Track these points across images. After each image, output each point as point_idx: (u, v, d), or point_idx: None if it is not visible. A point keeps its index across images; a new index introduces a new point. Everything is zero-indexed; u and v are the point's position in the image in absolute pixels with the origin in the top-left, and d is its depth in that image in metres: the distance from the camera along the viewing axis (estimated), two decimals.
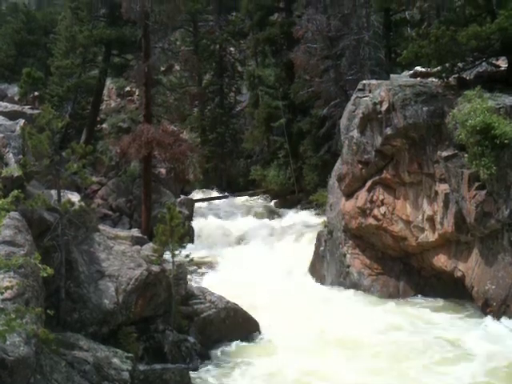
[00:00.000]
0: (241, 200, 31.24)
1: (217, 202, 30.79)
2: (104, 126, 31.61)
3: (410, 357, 12.10)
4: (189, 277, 14.81)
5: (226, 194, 32.67)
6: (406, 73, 17.82)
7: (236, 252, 23.27)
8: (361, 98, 17.27)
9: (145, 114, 24.08)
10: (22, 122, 13.45)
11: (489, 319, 13.64)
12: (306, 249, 20.14)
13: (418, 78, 16.67)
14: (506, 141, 13.03)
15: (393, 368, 11.60)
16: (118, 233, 15.22)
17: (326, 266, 18.46)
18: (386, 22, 25.44)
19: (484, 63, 16.31)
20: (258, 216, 27.17)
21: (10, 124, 13.39)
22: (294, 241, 22.85)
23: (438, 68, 15.76)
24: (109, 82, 34.01)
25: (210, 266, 21.20)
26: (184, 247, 13.49)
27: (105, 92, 33.63)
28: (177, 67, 35.41)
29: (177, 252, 13.14)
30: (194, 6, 34.30)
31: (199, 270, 20.25)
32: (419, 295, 16.14)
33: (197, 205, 28.00)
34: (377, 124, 16.16)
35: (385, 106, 15.72)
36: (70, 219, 11.74)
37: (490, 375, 11.21)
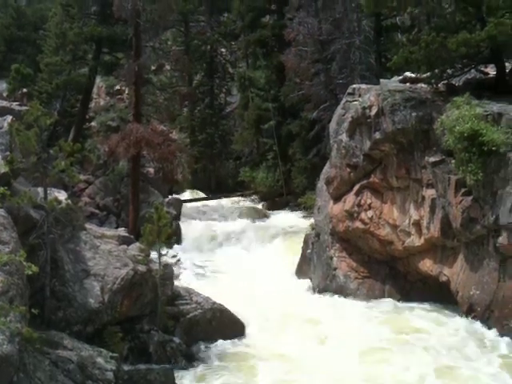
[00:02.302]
0: (229, 201, 31.22)
1: (205, 202, 30.74)
2: (93, 124, 31.44)
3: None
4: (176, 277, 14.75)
5: (215, 195, 32.65)
6: (396, 78, 17.90)
7: (223, 253, 23.27)
8: (350, 102, 17.34)
9: (134, 113, 24.01)
10: (9, 118, 13.34)
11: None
12: (293, 251, 20.18)
13: (408, 84, 16.76)
14: (493, 147, 13.12)
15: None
16: (105, 232, 15.15)
17: (312, 269, 18.49)
18: (377, 27, 25.56)
19: (473, 70, 16.44)
20: (246, 217, 27.15)
21: None
22: (281, 243, 22.88)
23: (428, 74, 15.85)
24: (98, 80, 33.87)
25: (197, 267, 21.15)
26: (171, 247, 13.47)
27: (94, 90, 33.46)
28: (167, 67, 35.37)
29: (164, 252, 13.11)
30: (185, 6, 34.27)
31: (184, 271, 20.17)
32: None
33: (185, 205, 27.94)
34: (366, 128, 16.23)
35: (374, 111, 15.80)
36: (57, 217, 11.67)
37: None
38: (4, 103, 16.03)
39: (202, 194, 32.82)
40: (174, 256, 13.44)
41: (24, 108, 14.90)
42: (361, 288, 16.69)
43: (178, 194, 31.50)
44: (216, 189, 34.22)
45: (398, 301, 15.99)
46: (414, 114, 15.04)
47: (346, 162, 16.95)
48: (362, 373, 11.50)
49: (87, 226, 14.00)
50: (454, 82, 16.24)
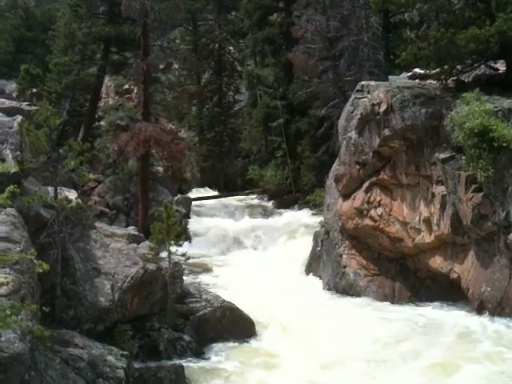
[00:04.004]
0: (238, 199, 31.25)
1: (214, 201, 30.79)
2: (102, 123, 31.58)
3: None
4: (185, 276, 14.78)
5: (223, 193, 32.69)
6: (405, 74, 17.83)
7: (232, 251, 23.30)
8: (359, 99, 17.28)
9: (143, 112, 24.09)
10: (19, 118, 13.43)
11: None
12: (303, 249, 20.15)
13: (417, 80, 16.68)
14: (503, 143, 13.04)
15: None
16: (115, 230, 15.24)
17: (322, 267, 18.47)
18: (385, 24, 25.47)
19: (482, 66, 16.33)
20: (255, 215, 27.16)
21: (7, 120, 13.36)
22: (290, 241, 22.86)
23: (437, 70, 15.77)
24: (107, 80, 34.01)
25: (207, 265, 21.20)
26: (181, 245, 13.50)
27: (103, 89, 33.62)
28: (176, 66, 35.42)
29: (173, 250, 13.15)
30: (193, 4, 34.35)
31: (196, 270, 20.22)
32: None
33: (194, 203, 27.99)
34: (375, 125, 16.17)
35: (383, 108, 15.73)
36: (67, 216, 11.73)
37: None
38: (14, 103, 16.10)
39: (211, 192, 32.88)
40: (184, 254, 13.47)
41: (33, 108, 14.95)
42: (370, 285, 16.64)
43: (186, 192, 31.60)
44: (225, 187, 34.28)
45: (408, 298, 15.95)
46: (423, 111, 14.97)
47: (355, 159, 16.90)
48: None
49: (97, 224, 14.07)
50: (463, 78, 16.16)
